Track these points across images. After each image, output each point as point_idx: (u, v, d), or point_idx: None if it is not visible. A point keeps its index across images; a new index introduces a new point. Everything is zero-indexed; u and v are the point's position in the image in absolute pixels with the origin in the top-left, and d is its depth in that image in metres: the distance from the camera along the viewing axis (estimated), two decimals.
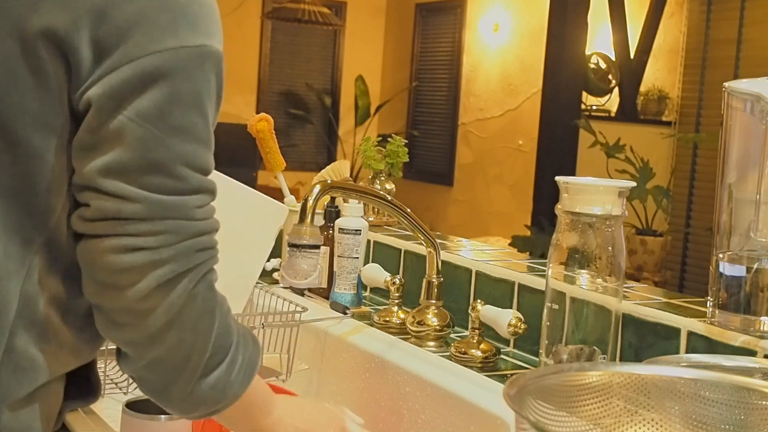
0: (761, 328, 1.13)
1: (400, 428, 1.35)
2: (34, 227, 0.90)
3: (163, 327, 0.89)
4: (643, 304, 1.27)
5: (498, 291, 1.50)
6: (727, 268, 1.16)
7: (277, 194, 1.75)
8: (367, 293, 1.80)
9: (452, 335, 1.49)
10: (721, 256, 1.16)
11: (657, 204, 5.37)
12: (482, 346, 1.36)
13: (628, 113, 6.22)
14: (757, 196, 1.12)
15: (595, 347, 1.17)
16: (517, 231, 5.64)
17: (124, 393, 1.34)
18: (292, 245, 1.27)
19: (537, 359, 1.27)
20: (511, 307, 1.45)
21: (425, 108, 7.76)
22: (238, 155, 6.14)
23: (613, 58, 6.26)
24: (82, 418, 1.20)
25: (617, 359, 1.20)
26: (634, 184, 1.21)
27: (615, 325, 1.18)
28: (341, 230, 1.65)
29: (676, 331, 1.20)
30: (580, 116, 5.77)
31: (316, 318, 1.55)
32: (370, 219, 1.88)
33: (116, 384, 1.38)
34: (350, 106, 7.87)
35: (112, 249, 0.86)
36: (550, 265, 1.19)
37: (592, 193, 1.16)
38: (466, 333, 1.42)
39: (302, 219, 1.29)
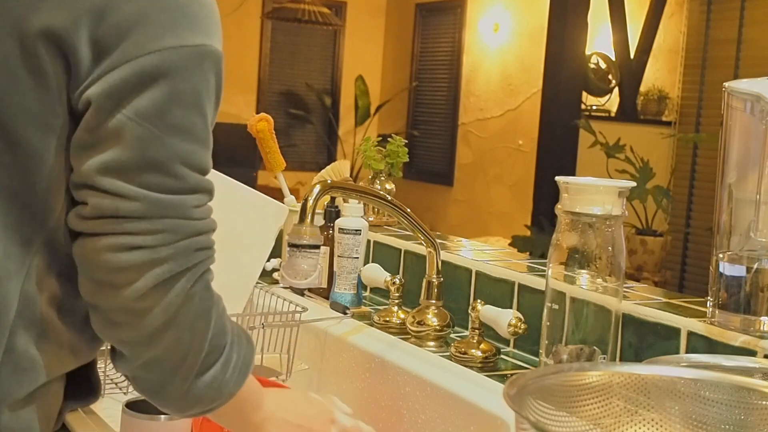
0: (761, 328, 1.13)
1: (400, 428, 1.35)
2: (34, 227, 0.90)
3: (160, 326, 0.89)
4: (643, 304, 1.27)
5: (498, 291, 1.50)
6: (727, 268, 1.16)
7: (277, 194, 1.75)
8: (367, 293, 1.80)
9: (452, 335, 1.49)
10: (721, 256, 1.16)
11: (657, 204, 5.37)
12: (482, 346, 1.36)
13: (628, 113, 6.22)
14: (757, 196, 1.12)
15: (595, 347, 1.17)
16: (517, 231, 5.65)
17: (124, 393, 1.34)
18: (292, 245, 1.28)
19: (537, 359, 1.27)
20: (511, 307, 1.45)
21: (425, 108, 7.76)
22: (238, 155, 6.15)
23: (613, 58, 6.26)
24: (82, 418, 1.20)
25: (617, 359, 1.20)
26: (634, 184, 1.21)
27: (615, 325, 1.18)
28: (341, 230, 1.65)
29: (676, 331, 1.20)
30: (580, 116, 5.77)
31: (316, 318, 1.55)
32: (370, 219, 1.88)
33: (116, 384, 1.38)
34: (350, 106, 7.87)
35: (110, 247, 0.86)
36: (550, 265, 1.19)
37: (592, 193, 1.16)
38: (466, 333, 1.42)
39: (302, 219, 1.29)
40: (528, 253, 4.64)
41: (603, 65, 6.32)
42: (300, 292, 1.71)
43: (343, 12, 7.87)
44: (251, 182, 6.11)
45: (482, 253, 1.66)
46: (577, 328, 1.17)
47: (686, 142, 5.85)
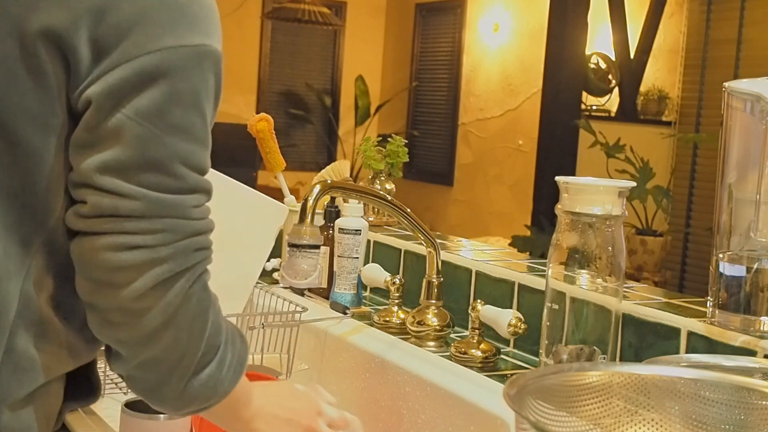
0: (761, 328, 1.13)
1: (400, 428, 1.35)
2: (34, 227, 0.90)
3: (158, 326, 0.89)
4: (643, 304, 1.27)
5: (498, 291, 1.50)
6: (727, 268, 1.16)
7: (277, 194, 1.75)
8: (367, 293, 1.80)
9: (452, 335, 1.49)
10: (721, 256, 1.16)
11: (657, 204, 5.37)
12: (482, 346, 1.36)
13: (628, 113, 6.22)
14: (757, 196, 1.11)
15: (595, 347, 1.17)
16: (517, 231, 5.64)
17: (124, 393, 1.34)
18: (292, 245, 1.28)
19: (537, 359, 1.27)
20: (511, 307, 1.45)
21: (425, 108, 7.76)
22: (238, 155, 6.14)
23: (613, 58, 6.26)
24: (82, 418, 1.20)
25: (617, 359, 1.20)
26: (634, 184, 1.21)
27: (615, 325, 1.18)
28: (341, 230, 1.65)
29: (676, 331, 1.20)
30: (580, 116, 5.77)
31: (316, 318, 1.55)
32: (370, 219, 1.88)
33: (116, 384, 1.38)
34: (350, 106, 7.87)
35: (109, 246, 0.86)
36: (550, 265, 1.19)
37: (592, 193, 1.16)
38: (466, 333, 1.42)
39: (302, 219, 1.29)
40: (528, 253, 4.64)
41: (603, 65, 6.32)
42: (300, 292, 1.71)
43: (343, 12, 7.87)
44: (251, 182, 6.12)
45: (482, 253, 1.66)
46: (577, 328, 1.17)
47: (686, 142, 5.85)
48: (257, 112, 2.25)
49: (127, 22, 0.86)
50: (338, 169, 1.94)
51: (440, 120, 7.55)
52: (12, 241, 0.89)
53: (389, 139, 1.94)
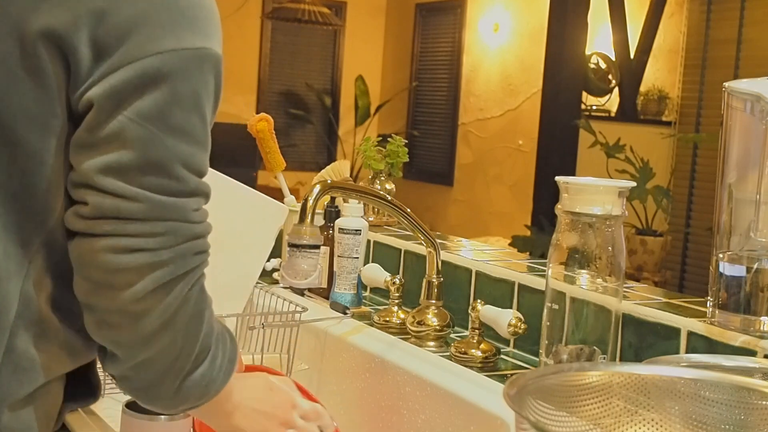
0: (761, 328, 1.13)
1: (400, 428, 1.35)
2: (34, 228, 0.90)
3: (156, 329, 0.89)
4: (643, 304, 1.27)
5: (498, 291, 1.50)
6: (727, 268, 1.16)
7: (277, 194, 1.75)
8: (367, 293, 1.80)
9: (452, 335, 1.49)
10: (721, 256, 1.16)
11: (657, 204, 5.37)
12: (482, 346, 1.36)
13: (628, 113, 6.22)
14: (757, 196, 1.11)
15: (595, 347, 1.17)
16: (517, 231, 5.64)
17: (125, 393, 1.34)
18: (292, 245, 1.28)
19: (537, 359, 1.27)
20: (511, 307, 1.45)
21: (425, 108, 7.76)
22: (238, 155, 6.14)
23: (613, 58, 6.26)
24: (82, 418, 1.20)
25: (617, 359, 1.20)
26: (634, 184, 1.21)
27: (615, 325, 1.18)
28: (341, 230, 1.65)
29: (676, 331, 1.20)
30: (580, 116, 5.77)
31: (316, 318, 1.55)
32: (370, 219, 1.88)
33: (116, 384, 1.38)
34: (350, 106, 7.87)
35: (110, 248, 0.86)
36: (550, 265, 1.19)
37: (592, 193, 1.16)
38: (466, 333, 1.42)
39: (302, 219, 1.29)
40: (528, 253, 4.64)
41: (603, 65, 6.32)
42: (300, 292, 1.71)
43: (343, 12, 7.87)
44: (251, 182, 6.11)
45: (482, 253, 1.66)
46: (577, 328, 1.17)
47: (686, 142, 5.85)
48: (257, 112, 2.25)
49: (128, 24, 0.86)
50: (338, 169, 1.94)
51: (440, 120, 7.55)
52: (12, 242, 0.89)
53: (389, 139, 1.94)
